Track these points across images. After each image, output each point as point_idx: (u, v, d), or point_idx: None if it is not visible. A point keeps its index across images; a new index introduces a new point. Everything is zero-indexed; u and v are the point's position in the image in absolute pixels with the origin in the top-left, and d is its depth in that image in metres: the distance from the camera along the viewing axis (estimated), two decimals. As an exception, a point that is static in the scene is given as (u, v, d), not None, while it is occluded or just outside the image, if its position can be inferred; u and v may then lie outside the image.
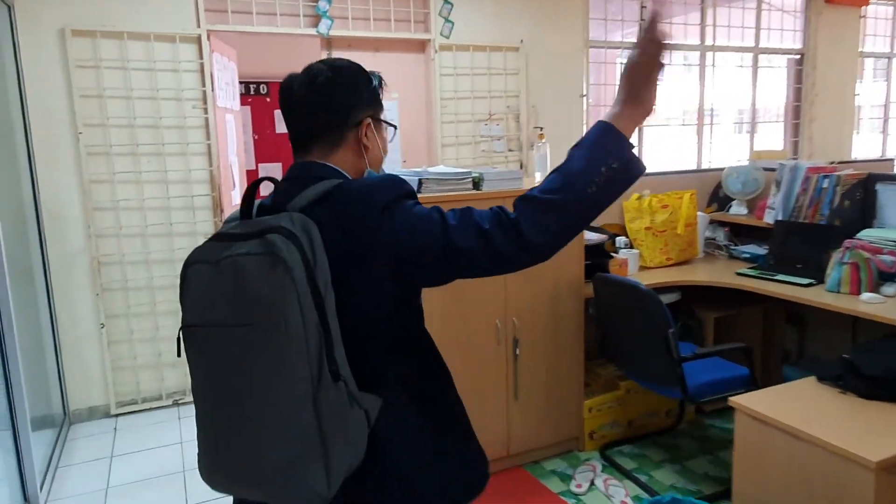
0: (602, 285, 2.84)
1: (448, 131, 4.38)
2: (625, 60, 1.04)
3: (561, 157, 1.06)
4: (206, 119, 3.69)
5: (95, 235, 3.52)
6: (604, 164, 0.99)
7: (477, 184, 2.70)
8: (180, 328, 1.07)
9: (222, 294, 0.99)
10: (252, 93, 5.96)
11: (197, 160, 3.72)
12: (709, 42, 5.38)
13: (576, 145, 1.04)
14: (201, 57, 3.64)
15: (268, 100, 5.99)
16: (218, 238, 1.05)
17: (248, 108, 5.91)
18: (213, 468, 1.06)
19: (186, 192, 3.71)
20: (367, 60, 4.28)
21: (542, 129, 3.04)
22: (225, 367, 1.01)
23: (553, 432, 2.97)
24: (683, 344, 2.64)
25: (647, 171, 1.10)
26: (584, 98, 4.77)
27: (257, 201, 1.13)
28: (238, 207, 1.12)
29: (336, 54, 4.09)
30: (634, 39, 1.18)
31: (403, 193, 1.08)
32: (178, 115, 3.64)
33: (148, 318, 3.70)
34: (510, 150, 4.59)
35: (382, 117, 1.22)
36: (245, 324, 0.97)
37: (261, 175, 1.36)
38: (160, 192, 3.65)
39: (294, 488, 0.98)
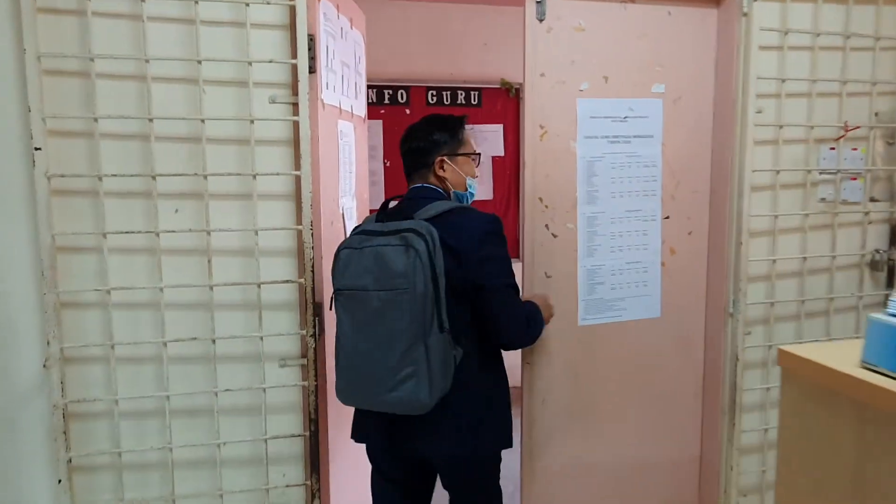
0: None
1: (761, 160, 2.20)
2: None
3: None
4: (297, 124, 1.79)
5: (64, 359, 1.70)
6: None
7: None
8: (334, 290, 1.58)
9: (365, 269, 1.51)
10: (386, 101, 4.10)
11: (272, 210, 1.81)
12: None
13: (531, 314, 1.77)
14: (293, -4, 1.75)
15: (407, 111, 4.11)
16: (363, 233, 1.57)
17: (378, 122, 4.06)
18: (351, 388, 1.56)
19: (247, 275, 1.81)
20: (613, 17, 2.14)
21: None
22: (366, 316, 1.51)
23: None
24: None
25: None
26: None
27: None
28: (361, 222, 1.88)
29: (557, 6, 2.07)
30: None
31: (496, 230, 1.64)
32: (241, 117, 1.76)
33: (159, 529, 1.81)
34: (873, 201, 2.33)
35: (462, 151, 1.75)
36: (386, 288, 1.49)
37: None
38: (196, 276, 1.78)
39: (408, 397, 1.49)
